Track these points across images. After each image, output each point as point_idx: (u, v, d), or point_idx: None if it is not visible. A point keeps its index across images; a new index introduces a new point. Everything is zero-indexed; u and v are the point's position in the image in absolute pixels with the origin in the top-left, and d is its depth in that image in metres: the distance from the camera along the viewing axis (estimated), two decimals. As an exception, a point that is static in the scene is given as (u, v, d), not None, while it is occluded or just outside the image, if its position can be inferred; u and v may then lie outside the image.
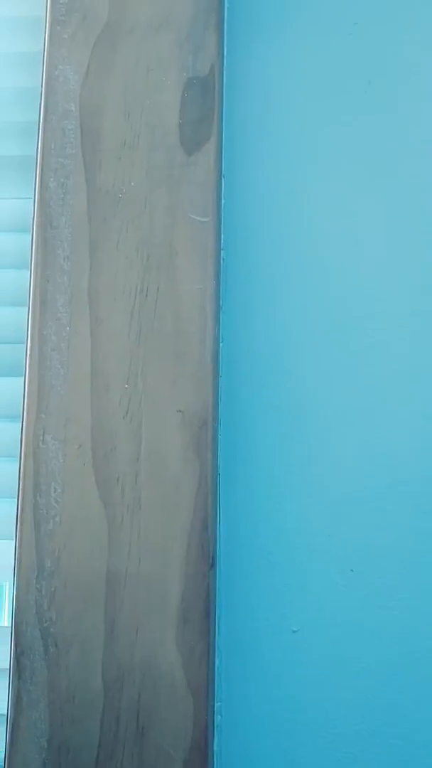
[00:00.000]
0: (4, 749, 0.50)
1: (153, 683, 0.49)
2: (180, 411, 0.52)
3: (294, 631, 0.52)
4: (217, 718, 0.51)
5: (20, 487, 0.53)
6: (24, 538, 0.52)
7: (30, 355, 0.54)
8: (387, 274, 0.55)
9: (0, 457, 0.61)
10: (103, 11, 0.58)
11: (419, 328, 0.54)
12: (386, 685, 0.51)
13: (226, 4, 0.59)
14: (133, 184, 0.55)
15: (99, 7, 0.58)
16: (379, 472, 0.53)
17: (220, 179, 0.55)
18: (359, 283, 0.55)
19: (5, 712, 0.50)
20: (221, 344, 0.55)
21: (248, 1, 0.60)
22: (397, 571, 0.52)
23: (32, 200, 0.58)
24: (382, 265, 0.55)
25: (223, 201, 0.56)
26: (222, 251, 0.56)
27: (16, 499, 0.54)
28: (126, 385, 0.53)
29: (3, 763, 0.50)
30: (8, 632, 0.59)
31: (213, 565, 0.50)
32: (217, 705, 0.51)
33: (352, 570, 0.52)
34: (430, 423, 0.53)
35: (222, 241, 0.56)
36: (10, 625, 0.54)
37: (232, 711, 0.51)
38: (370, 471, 0.53)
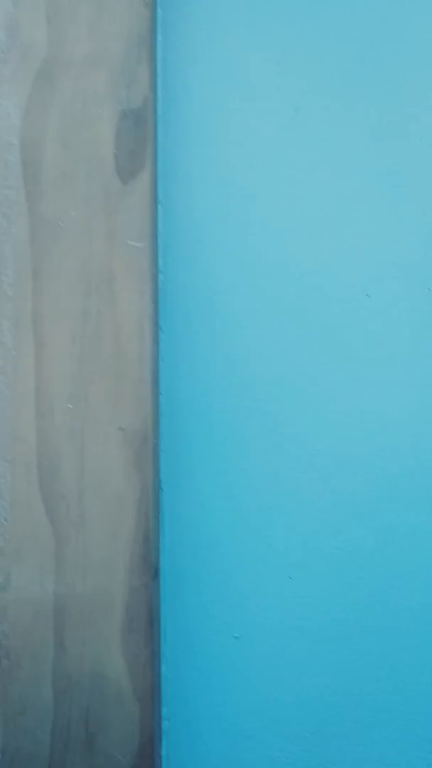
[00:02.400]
0: (-42, 762, 0.52)
1: (101, 692, 0.51)
2: (121, 429, 0.54)
3: (236, 637, 0.54)
4: (165, 724, 0.53)
5: (-30, 507, 0.54)
6: (-25, 556, 0.54)
7: (-22, 379, 0.56)
8: (321, 290, 0.58)
9: None
10: (42, 48, 0.61)
11: (359, 339, 0.57)
12: (326, 687, 0.53)
13: (159, 38, 0.62)
14: (72, 213, 0.57)
15: (37, 44, 0.61)
16: (318, 482, 0.55)
17: (156, 206, 0.58)
18: (293, 301, 0.58)
19: (-41, 725, 0.52)
20: (161, 363, 0.57)
21: (181, 35, 0.62)
22: (334, 577, 0.54)
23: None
24: (316, 282, 0.58)
25: (160, 226, 0.58)
26: (160, 274, 0.58)
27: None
28: (69, 405, 0.55)
29: (-42, 775, 0.52)
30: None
31: (156, 575, 0.53)
32: (164, 711, 0.53)
33: (290, 577, 0.54)
34: (372, 434, 0.55)
35: (160, 264, 0.58)
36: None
37: (178, 716, 0.53)
38: (309, 481, 0.55)
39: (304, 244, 0.58)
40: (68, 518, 0.53)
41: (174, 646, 0.54)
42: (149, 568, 0.52)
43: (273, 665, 0.53)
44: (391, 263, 0.57)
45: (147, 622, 0.52)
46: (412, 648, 0.52)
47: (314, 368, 0.56)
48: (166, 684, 0.53)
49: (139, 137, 0.58)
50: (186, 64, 0.62)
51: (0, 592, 0.53)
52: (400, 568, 0.53)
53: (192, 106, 0.61)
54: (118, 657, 0.51)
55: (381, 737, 0.51)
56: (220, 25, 0.62)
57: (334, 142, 0.60)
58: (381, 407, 0.55)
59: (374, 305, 0.57)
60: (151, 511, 0.53)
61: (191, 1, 0.63)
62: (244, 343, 0.57)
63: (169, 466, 0.56)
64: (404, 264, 0.57)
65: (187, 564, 0.55)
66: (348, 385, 0.56)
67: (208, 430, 0.56)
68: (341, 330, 0.57)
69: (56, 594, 0.53)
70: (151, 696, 0.51)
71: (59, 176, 0.58)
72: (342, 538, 0.54)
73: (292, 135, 0.60)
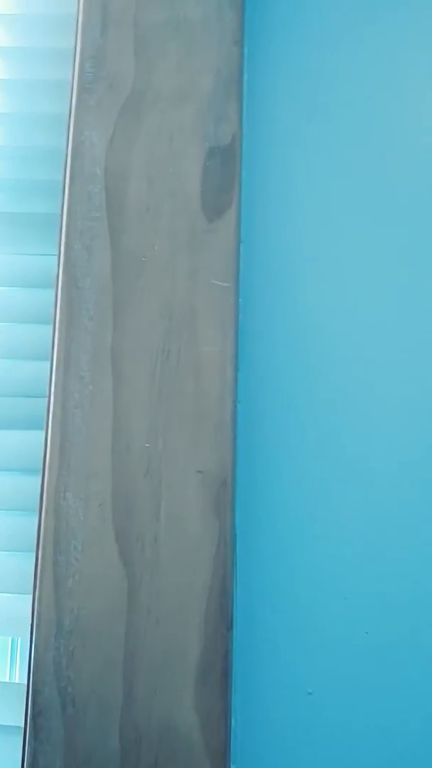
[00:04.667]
0: None
1: (170, 745, 0.49)
2: (200, 471, 0.53)
3: (309, 693, 0.52)
4: (233, 781, 0.51)
5: (40, 544, 0.53)
6: (43, 595, 0.52)
7: (53, 411, 0.55)
8: (400, 338, 0.57)
9: (14, 511, 0.61)
10: (129, 80, 0.60)
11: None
12: (401, 748, 0.51)
13: (246, 77, 0.61)
14: (156, 248, 0.56)
15: (124, 76, 0.60)
16: (396, 536, 0.54)
17: (239, 245, 0.57)
18: (372, 345, 0.57)
19: (21, 773, 0.50)
20: (238, 405, 0.56)
21: (266, 74, 0.62)
22: (411, 635, 0.52)
23: (56, 258, 0.59)
24: (395, 331, 0.57)
25: (242, 266, 0.57)
26: (240, 314, 0.57)
27: (34, 555, 0.54)
28: (147, 444, 0.54)
29: None
30: (15, 688, 0.59)
31: (231, 626, 0.51)
32: (232, 767, 0.51)
33: (366, 633, 0.52)
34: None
35: (240, 304, 0.57)
36: (26, 684, 0.54)
37: (248, 773, 0.51)
38: (387, 534, 0.54)
39: (391, 293, 0.57)
40: (142, 561, 0.52)
41: (244, 700, 0.52)
42: (226, 618, 0.51)
43: (346, 723, 0.51)
44: None
45: (222, 674, 0.50)
46: None
47: (404, 420, 0.55)
48: (235, 739, 0.52)
49: (227, 175, 0.57)
50: (270, 103, 0.61)
51: (67, 635, 0.52)
52: None
53: (275, 147, 0.61)
54: (190, 709, 0.50)
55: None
56: (305, 66, 0.62)
57: (422, 193, 0.59)
58: None
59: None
60: (229, 559, 0.51)
61: (277, 40, 0.63)
62: (326, 389, 0.56)
63: (244, 512, 0.54)
64: None
65: (260, 615, 0.53)
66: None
67: (285, 476, 0.55)
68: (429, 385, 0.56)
69: (127, 640, 0.51)
70: (223, 752, 0.49)
71: (143, 210, 0.57)
72: (422, 597, 0.53)
73: (383, 179, 0.59)
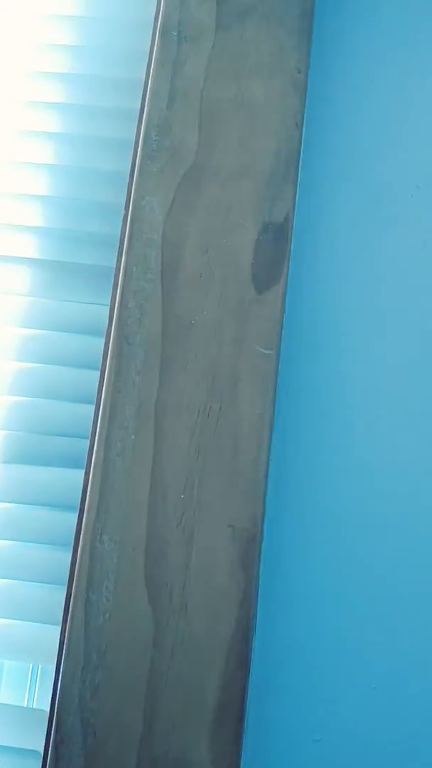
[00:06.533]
0: None
1: (184, 782, 0.53)
2: (230, 525, 0.57)
3: (316, 741, 0.56)
4: None
5: (74, 581, 0.57)
6: (73, 630, 0.56)
7: (95, 456, 0.59)
8: None
9: (44, 544, 0.65)
10: (191, 153, 0.65)
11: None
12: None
13: (303, 158, 0.66)
14: (205, 313, 0.61)
15: (188, 148, 0.65)
16: (409, 595, 0.58)
17: (284, 316, 0.61)
18: (405, 415, 0.61)
19: (41, 796, 0.53)
20: (271, 465, 0.60)
21: (324, 158, 0.67)
22: (419, 692, 0.56)
23: (102, 308, 0.64)
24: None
25: (283, 335, 0.62)
26: (279, 379, 0.61)
27: (64, 588, 0.58)
28: (182, 496, 0.57)
29: None
30: (33, 713, 0.63)
31: (248, 673, 0.55)
32: (238, 807, 0.55)
33: (374, 687, 0.56)
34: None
35: (279, 370, 0.61)
36: (47, 710, 0.57)
37: None
38: (400, 593, 0.58)
39: (426, 374, 0.62)
40: (170, 606, 0.56)
41: (255, 742, 0.56)
42: (245, 666, 0.54)
43: (351, 773, 0.55)
44: None
45: (237, 719, 0.54)
46: None
47: (420, 491, 0.60)
48: (244, 781, 0.55)
49: (278, 251, 0.62)
50: (325, 187, 0.66)
51: (93, 669, 0.55)
52: None
53: (326, 228, 0.65)
54: (205, 749, 0.53)
55: None
56: (362, 153, 0.67)
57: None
58: None
59: None
60: (252, 611, 0.55)
61: (336, 126, 0.68)
62: (355, 459, 0.60)
63: (268, 568, 0.58)
64: None
65: (274, 665, 0.57)
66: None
67: (310, 536, 0.59)
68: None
69: (150, 678, 0.55)
70: (233, 793, 0.53)
71: (196, 277, 0.62)
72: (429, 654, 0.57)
73: (422, 266, 0.64)
